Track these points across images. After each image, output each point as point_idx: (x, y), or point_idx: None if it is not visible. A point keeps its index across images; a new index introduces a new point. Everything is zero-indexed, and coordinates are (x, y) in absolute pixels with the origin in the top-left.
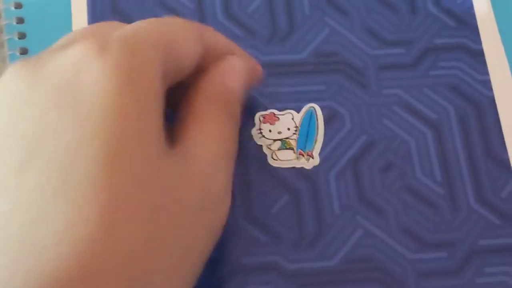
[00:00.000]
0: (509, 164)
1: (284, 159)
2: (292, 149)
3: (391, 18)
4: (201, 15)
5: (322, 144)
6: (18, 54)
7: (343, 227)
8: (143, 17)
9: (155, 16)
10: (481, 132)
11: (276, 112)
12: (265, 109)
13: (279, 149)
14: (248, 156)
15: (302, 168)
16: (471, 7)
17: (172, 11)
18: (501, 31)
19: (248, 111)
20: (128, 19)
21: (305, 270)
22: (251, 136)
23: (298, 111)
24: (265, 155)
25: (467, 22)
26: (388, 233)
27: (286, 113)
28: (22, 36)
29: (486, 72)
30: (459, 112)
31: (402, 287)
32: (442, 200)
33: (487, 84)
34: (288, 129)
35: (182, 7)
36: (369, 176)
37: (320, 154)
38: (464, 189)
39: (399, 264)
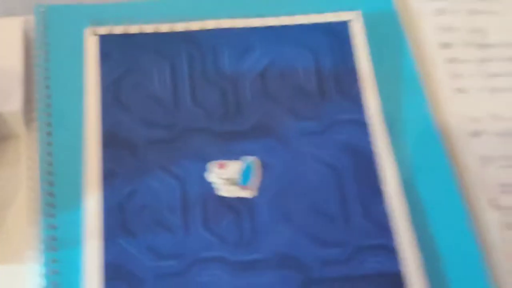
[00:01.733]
0: (381, 191)
1: (232, 193)
2: (237, 185)
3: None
4: None
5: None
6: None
7: (273, 238)
8: None
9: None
10: (365, 173)
11: (225, 161)
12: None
13: (229, 185)
14: (206, 190)
15: (244, 197)
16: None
17: None
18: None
19: (204, 161)
20: None
21: (243, 260)
22: (209, 177)
23: (240, 160)
24: (217, 190)
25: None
26: (302, 236)
27: (233, 163)
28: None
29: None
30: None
31: (310, 272)
32: (338, 215)
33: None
34: (232, 173)
35: None
36: (288, 201)
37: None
38: (353, 209)
39: (309, 256)
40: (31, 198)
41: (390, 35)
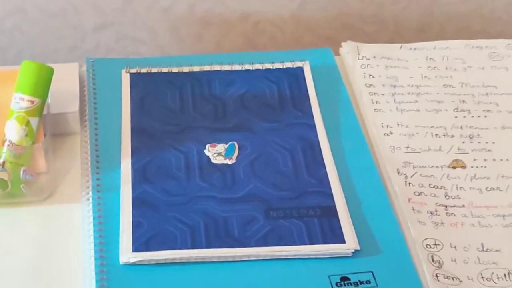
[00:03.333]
0: (323, 163)
1: (220, 161)
2: (223, 156)
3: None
4: None
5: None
6: None
7: (245, 185)
8: None
9: None
10: (311, 153)
11: (216, 143)
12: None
13: (217, 156)
14: (203, 159)
15: (228, 163)
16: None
17: None
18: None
19: (202, 144)
20: None
21: (226, 197)
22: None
23: (226, 143)
24: (211, 159)
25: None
26: (265, 185)
27: (221, 144)
28: None
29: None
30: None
31: (270, 204)
32: (291, 174)
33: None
34: (220, 149)
35: None
36: (256, 165)
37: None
38: (302, 171)
39: (270, 196)
40: (85, 165)
41: (332, 77)
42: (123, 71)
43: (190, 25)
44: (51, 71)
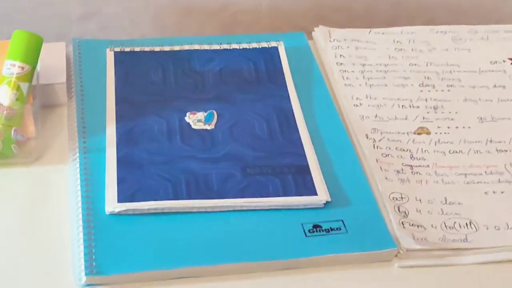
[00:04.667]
0: (296, 128)
1: (199, 126)
2: (203, 122)
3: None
4: None
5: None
6: None
7: (224, 147)
8: None
9: None
10: (285, 120)
11: (195, 112)
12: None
13: (197, 122)
14: (184, 124)
15: (207, 128)
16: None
17: None
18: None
19: (183, 112)
20: None
21: (206, 157)
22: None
23: (205, 112)
24: (191, 125)
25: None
26: (242, 146)
27: (201, 112)
28: None
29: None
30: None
31: (247, 162)
32: (266, 138)
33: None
34: (200, 117)
35: None
36: (234, 130)
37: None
38: (277, 135)
39: (247, 155)
40: (72, 131)
41: (305, 57)
42: (108, 49)
43: (171, 15)
44: (40, 40)
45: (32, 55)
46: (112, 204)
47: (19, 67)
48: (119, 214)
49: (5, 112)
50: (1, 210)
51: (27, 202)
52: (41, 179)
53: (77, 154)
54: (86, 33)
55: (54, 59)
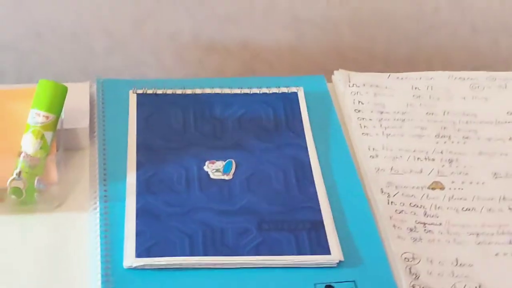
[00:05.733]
0: (312, 181)
1: (218, 176)
2: (221, 172)
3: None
4: None
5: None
6: None
7: (240, 199)
8: None
9: None
10: (302, 171)
11: (215, 160)
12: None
13: (216, 172)
14: (203, 174)
15: (225, 179)
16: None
17: None
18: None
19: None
20: None
21: (222, 209)
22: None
23: (224, 160)
24: (209, 174)
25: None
26: (258, 199)
27: (219, 161)
28: None
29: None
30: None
31: (263, 217)
32: (282, 190)
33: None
34: (218, 166)
35: None
36: (251, 181)
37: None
38: (293, 188)
39: (263, 209)
40: (93, 177)
41: (324, 103)
42: (131, 91)
43: (193, 51)
44: (65, 90)
45: (56, 104)
46: (130, 258)
47: (44, 116)
48: (136, 268)
49: (29, 160)
50: (21, 256)
51: (47, 249)
52: (62, 226)
53: (98, 203)
54: (109, 66)
55: (77, 101)
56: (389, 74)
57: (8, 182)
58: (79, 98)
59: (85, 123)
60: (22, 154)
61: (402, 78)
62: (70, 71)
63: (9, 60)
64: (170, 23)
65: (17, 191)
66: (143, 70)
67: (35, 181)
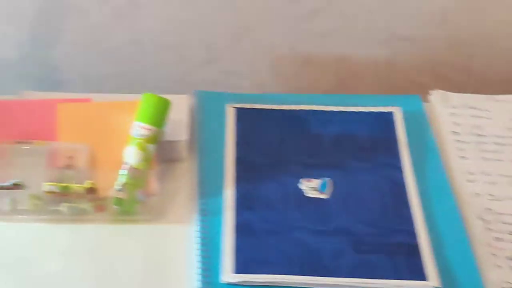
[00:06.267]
0: (407, 203)
1: (314, 195)
2: (318, 191)
3: None
4: None
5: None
6: None
7: (337, 220)
8: None
9: None
10: (397, 192)
11: (311, 178)
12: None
13: (313, 190)
14: (299, 192)
15: (321, 197)
16: None
17: None
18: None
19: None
20: None
21: (318, 229)
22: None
23: (320, 179)
24: (305, 193)
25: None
26: (354, 220)
27: (316, 179)
28: None
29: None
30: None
31: (358, 238)
32: (378, 212)
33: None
34: (314, 184)
35: None
36: (347, 201)
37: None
38: (388, 209)
39: (359, 230)
40: (191, 190)
41: (420, 123)
42: (229, 105)
43: (289, 63)
44: (168, 104)
45: (160, 118)
46: (228, 274)
47: (147, 129)
48: (234, 284)
49: (132, 172)
50: (120, 265)
51: (146, 259)
52: (161, 237)
53: (196, 216)
54: (204, 77)
55: (177, 113)
56: (487, 96)
57: (111, 192)
58: (178, 110)
59: (184, 135)
60: (126, 166)
61: (501, 101)
62: (166, 81)
63: (108, 68)
64: (268, 36)
65: (119, 201)
66: (238, 82)
67: (138, 193)
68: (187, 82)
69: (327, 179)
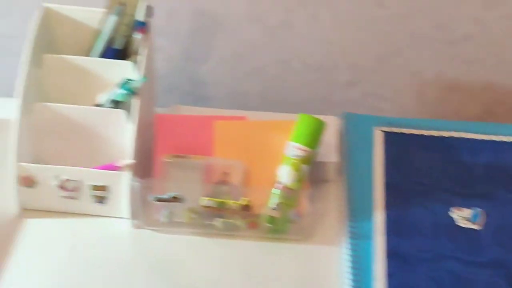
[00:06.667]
0: None
1: (465, 224)
2: (469, 221)
3: None
4: None
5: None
6: None
7: (490, 251)
8: None
9: None
10: None
11: (462, 208)
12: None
13: (464, 220)
14: (450, 221)
15: (474, 228)
16: None
17: None
18: None
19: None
20: None
21: (471, 260)
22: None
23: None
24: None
25: None
26: (508, 252)
27: (468, 209)
28: None
29: None
30: None
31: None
32: None
33: None
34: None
35: None
36: (500, 234)
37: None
38: None
39: None
40: (340, 212)
41: None
42: (377, 128)
43: (434, 89)
44: (324, 125)
45: (315, 139)
46: None
47: (302, 150)
48: None
49: (286, 192)
50: (270, 283)
51: (295, 279)
52: (310, 258)
53: (347, 239)
54: (347, 99)
55: (326, 134)
56: None
57: (265, 211)
58: (327, 131)
59: (334, 157)
60: (279, 185)
61: None
62: (309, 100)
63: (254, 86)
64: (414, 61)
65: (272, 220)
66: (379, 104)
67: (290, 212)
68: (328, 102)
69: (479, 210)
